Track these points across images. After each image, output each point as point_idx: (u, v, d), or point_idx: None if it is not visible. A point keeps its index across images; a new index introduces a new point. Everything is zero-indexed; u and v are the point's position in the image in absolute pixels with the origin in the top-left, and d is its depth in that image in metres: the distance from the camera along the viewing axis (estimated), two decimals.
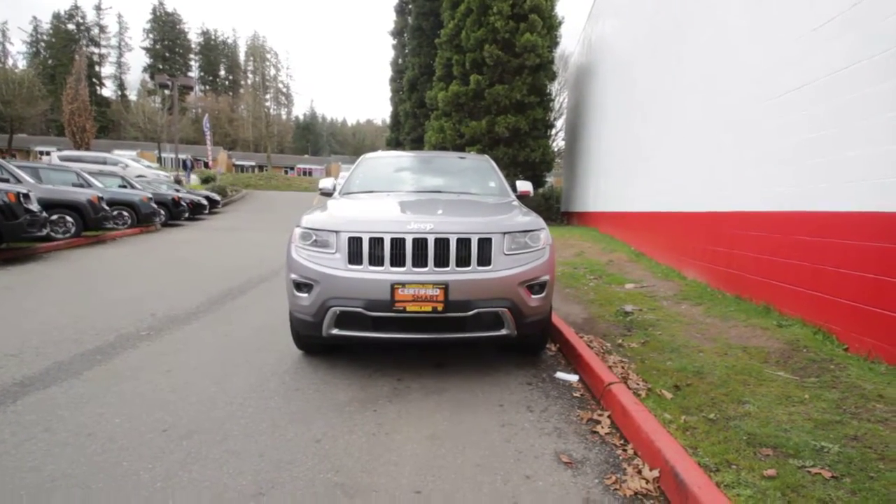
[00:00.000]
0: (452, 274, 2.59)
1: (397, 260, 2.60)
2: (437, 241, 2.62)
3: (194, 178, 22.67)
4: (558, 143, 18.31)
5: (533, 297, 2.76)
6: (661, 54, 7.13)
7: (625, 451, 2.08)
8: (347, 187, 3.96)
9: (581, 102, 14.00)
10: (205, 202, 15.62)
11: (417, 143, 17.52)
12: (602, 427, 2.28)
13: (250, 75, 71.32)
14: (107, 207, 9.04)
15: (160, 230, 11.64)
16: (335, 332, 2.69)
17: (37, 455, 1.97)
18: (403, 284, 2.53)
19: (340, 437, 2.16)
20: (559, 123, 17.81)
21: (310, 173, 55.53)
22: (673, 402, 2.46)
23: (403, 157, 4.58)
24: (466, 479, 1.86)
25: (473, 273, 2.62)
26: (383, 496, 1.73)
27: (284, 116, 73.73)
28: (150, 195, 11.42)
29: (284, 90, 74.02)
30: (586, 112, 13.23)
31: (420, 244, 2.61)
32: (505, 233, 2.75)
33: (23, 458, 1.95)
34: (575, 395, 2.69)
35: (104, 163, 17.60)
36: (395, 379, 2.86)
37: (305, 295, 2.72)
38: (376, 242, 2.63)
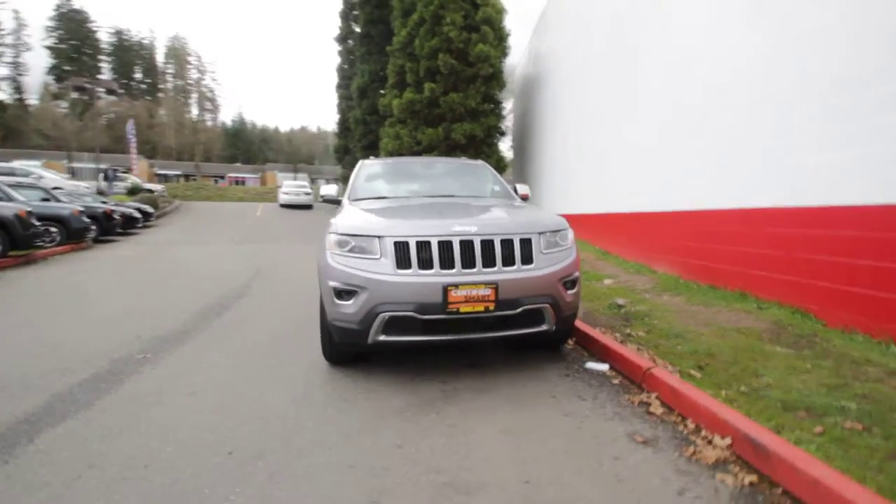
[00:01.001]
0: (500, 273, 2.67)
1: (445, 262, 2.64)
2: (482, 242, 2.69)
3: (119, 188, 20.73)
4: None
5: (568, 292, 2.91)
6: (621, 67, 7.69)
7: (685, 426, 2.27)
8: (355, 193, 3.91)
9: (530, 111, 14.63)
10: (138, 215, 14.39)
11: (370, 150, 17.31)
12: (654, 407, 2.46)
13: (171, 78, 66.70)
14: (37, 223, 8.08)
15: (93, 247, 10.56)
16: (382, 338, 2.67)
17: (95, 494, 1.79)
18: (457, 286, 2.57)
19: (420, 441, 2.16)
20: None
21: (243, 182, 52.73)
22: (703, 380, 2.70)
23: (402, 162, 4.59)
24: (563, 465, 1.95)
25: (519, 272, 2.72)
26: (497, 489, 1.77)
27: (210, 122, 69.63)
28: (81, 208, 10.33)
29: (209, 95, 69.97)
30: (537, 120, 13.84)
31: (467, 246, 2.67)
32: (540, 232, 2.88)
33: (81, 499, 1.76)
34: (614, 382, 2.87)
35: (11, 174, 15.61)
36: (439, 382, 2.88)
37: (349, 302, 2.67)
38: (424, 246, 2.65)
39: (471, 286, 2.59)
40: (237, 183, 49.13)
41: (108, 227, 11.88)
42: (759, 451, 1.86)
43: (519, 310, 2.70)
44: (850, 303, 3.22)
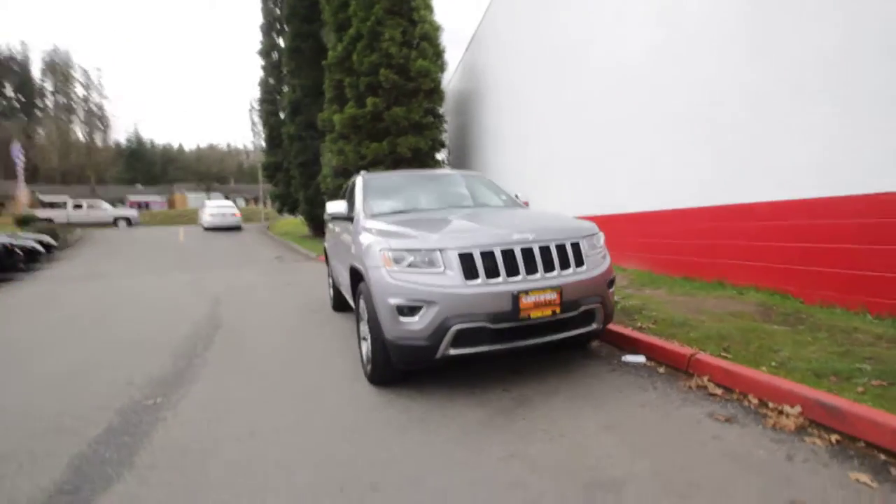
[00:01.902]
0: (561, 277, 2.77)
1: (510, 270, 2.68)
2: (541, 248, 2.78)
3: None
4: None
5: (610, 292, 3.09)
6: (560, 80, 8.26)
7: (748, 401, 2.51)
8: (371, 208, 3.81)
9: (468, 125, 15.09)
10: (41, 248, 12.54)
11: (306, 167, 16.69)
12: (711, 389, 2.69)
13: (50, 95, 59.07)
14: None
15: None
16: (452, 352, 2.63)
17: None
18: (526, 292, 2.62)
19: (531, 448, 2.17)
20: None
21: (147, 206, 47.94)
22: (735, 360, 3.00)
23: (404, 175, 4.54)
24: (675, 452, 2.07)
25: (576, 275, 2.84)
26: (639, 482, 1.85)
27: (101, 142, 62.61)
28: None
29: (98, 112, 62.98)
30: (476, 134, 14.29)
31: (528, 253, 2.74)
32: (584, 237, 3.03)
33: None
34: (660, 371, 3.08)
35: None
36: (501, 390, 2.89)
37: (415, 318, 2.60)
38: (488, 255, 2.67)
39: (538, 292, 2.65)
40: (141, 207, 44.46)
41: (10, 264, 10.23)
42: (832, 413, 2.13)
43: (578, 311, 2.81)
44: (826, 282, 3.76)
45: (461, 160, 15.17)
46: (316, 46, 16.11)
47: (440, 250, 2.67)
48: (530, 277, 2.70)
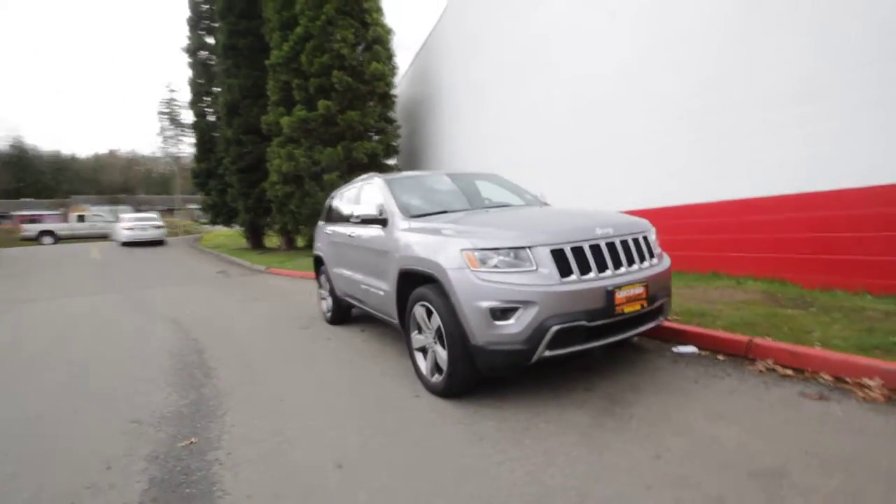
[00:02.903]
0: (642, 271, 2.77)
1: (600, 266, 2.62)
2: (621, 242, 2.75)
3: None
4: None
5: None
6: (519, 85, 8.47)
7: (824, 378, 2.65)
8: (409, 209, 3.57)
9: (419, 129, 14.99)
10: None
11: (247, 173, 15.50)
12: (781, 371, 2.82)
13: None
14: None
15: None
16: (548, 353, 2.51)
17: None
18: (620, 287, 2.58)
19: (669, 444, 2.10)
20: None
21: (39, 220, 41.96)
22: (788, 342, 3.19)
23: (423, 177, 4.29)
24: (804, 430, 2.12)
25: (653, 268, 2.85)
26: (796, 466, 1.85)
27: None
28: None
29: None
30: (430, 137, 14.22)
31: (611, 247, 2.70)
32: (649, 230, 3.07)
33: None
34: (719, 358, 3.18)
35: None
36: (584, 390, 2.81)
37: (511, 321, 2.45)
38: (578, 251, 2.59)
39: (629, 286, 2.62)
40: (32, 221, 38.75)
41: None
42: None
43: (655, 305, 2.82)
44: (825, 268, 4.15)
45: (412, 165, 15.02)
46: (255, 44, 15.13)
47: (529, 247, 2.55)
48: (618, 272, 2.66)
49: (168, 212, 44.04)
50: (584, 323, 2.51)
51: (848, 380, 2.58)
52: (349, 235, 4.34)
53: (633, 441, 2.16)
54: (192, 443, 2.54)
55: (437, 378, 2.88)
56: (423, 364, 3.06)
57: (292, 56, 13.00)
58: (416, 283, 3.08)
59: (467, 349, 2.59)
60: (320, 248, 5.38)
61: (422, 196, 3.89)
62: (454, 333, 2.63)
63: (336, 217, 5.06)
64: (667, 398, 2.61)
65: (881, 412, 2.24)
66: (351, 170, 13.13)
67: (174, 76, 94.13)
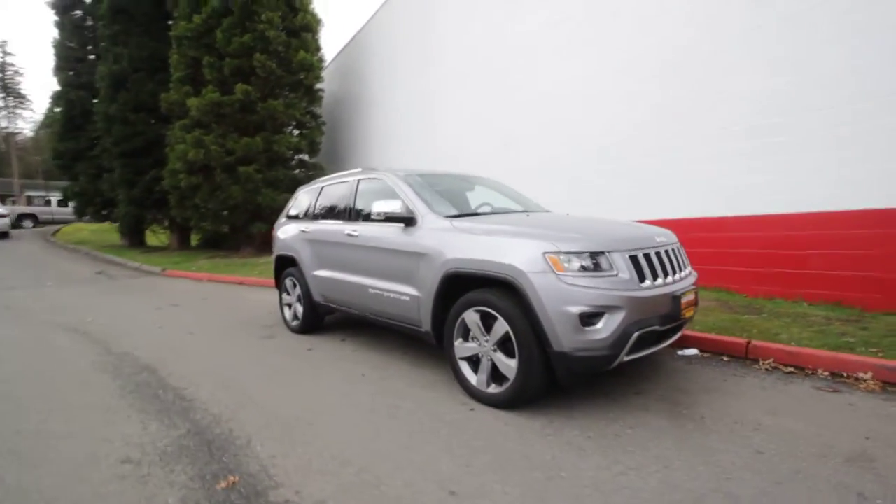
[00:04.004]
0: (691, 278, 2.95)
1: (664, 272, 2.73)
2: (673, 251, 2.90)
3: None
4: None
5: None
6: (450, 89, 8.67)
7: (821, 373, 3.08)
8: (442, 209, 3.34)
9: (344, 127, 14.34)
10: None
11: (134, 159, 13.18)
12: (784, 369, 3.21)
13: None
14: None
15: None
16: (627, 358, 2.53)
17: None
18: (684, 293, 2.71)
19: (759, 440, 2.23)
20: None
21: None
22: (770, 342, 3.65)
23: (436, 176, 4.03)
24: (849, 419, 2.42)
25: (692, 276, 3.04)
26: (876, 445, 2.10)
27: None
28: None
29: None
30: (356, 136, 13.65)
31: (668, 255, 2.83)
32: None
33: None
34: (724, 359, 3.51)
35: None
36: (635, 394, 2.88)
37: (599, 326, 2.42)
38: (647, 258, 2.67)
39: (688, 292, 2.77)
40: None
41: None
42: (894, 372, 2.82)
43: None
44: (768, 280, 4.86)
45: (335, 164, 14.27)
46: (153, 10, 13.07)
47: (608, 252, 2.55)
48: (675, 278, 2.80)
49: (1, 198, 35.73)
50: (657, 327, 2.59)
51: (844, 374, 3.03)
52: (347, 234, 3.93)
53: (726, 440, 2.27)
54: (234, 482, 2.03)
55: (494, 389, 2.72)
56: (472, 374, 2.87)
57: (205, 30, 11.54)
58: (465, 287, 2.90)
59: (546, 356, 2.50)
60: (289, 248, 4.79)
61: (440, 195, 3.68)
62: (529, 340, 2.51)
63: (317, 214, 4.56)
64: (716, 398, 2.80)
65: (889, 398, 2.68)
66: (271, 164, 12.03)
67: (13, 34, 77.16)
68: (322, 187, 4.67)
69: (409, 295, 3.28)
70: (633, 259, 2.60)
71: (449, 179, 4.13)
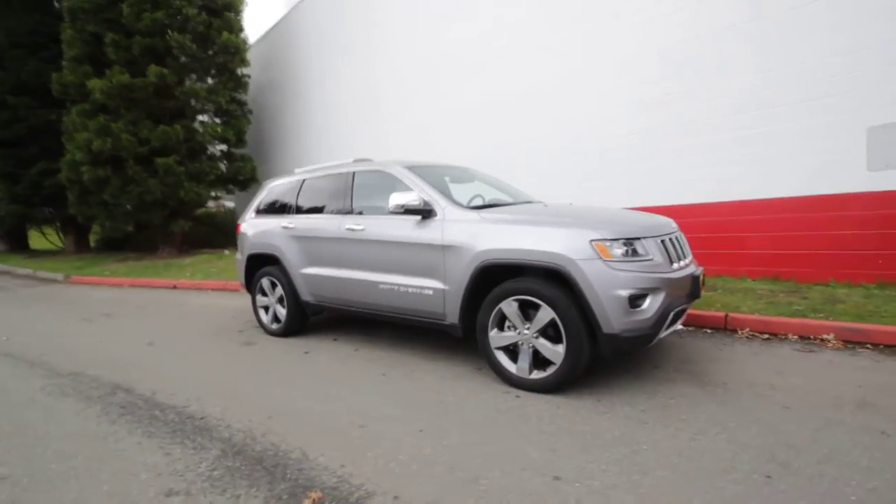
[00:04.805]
0: (695, 262, 3.24)
1: (680, 256, 2.97)
2: (680, 236, 3.17)
3: None
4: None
5: None
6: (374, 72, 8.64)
7: (791, 337, 3.57)
8: (462, 200, 3.31)
9: (270, 118, 13.41)
10: None
11: (15, 150, 11.03)
12: (760, 336, 3.68)
13: None
14: None
15: None
16: (662, 335, 2.74)
17: None
18: (700, 275, 2.97)
19: (778, 400, 2.54)
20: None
21: None
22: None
23: (438, 167, 3.93)
24: (839, 374, 2.84)
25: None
26: (875, 392, 2.50)
27: None
28: None
29: None
30: (286, 127, 12.84)
31: (679, 239, 3.09)
32: None
33: None
34: (707, 331, 3.91)
35: None
36: (653, 368, 3.10)
37: (645, 307, 2.59)
38: (668, 243, 2.89)
39: (700, 275, 3.05)
40: None
41: None
42: (854, 331, 3.37)
43: None
44: (712, 259, 5.48)
45: (264, 157, 13.33)
46: None
47: (643, 238, 2.73)
48: (689, 261, 3.07)
49: None
50: (684, 306, 2.83)
51: (811, 337, 3.55)
52: (348, 229, 3.73)
53: (755, 400, 2.54)
54: (318, 498, 1.87)
55: (538, 374, 2.79)
56: (509, 362, 2.90)
57: (106, 3, 10.06)
58: (497, 278, 2.92)
59: (589, 339, 2.61)
60: (268, 246, 4.42)
61: (454, 188, 3.65)
62: (578, 324, 2.61)
63: (302, 208, 4.26)
64: (723, 365, 3.12)
65: (854, 354, 3.19)
66: (193, 155, 10.90)
67: None
68: (304, 180, 4.37)
69: (431, 288, 3.22)
70: (662, 244, 2.81)
71: (446, 170, 4.08)
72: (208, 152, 11.71)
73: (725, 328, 3.92)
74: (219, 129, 10.93)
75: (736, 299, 4.51)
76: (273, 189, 4.70)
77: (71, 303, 7.13)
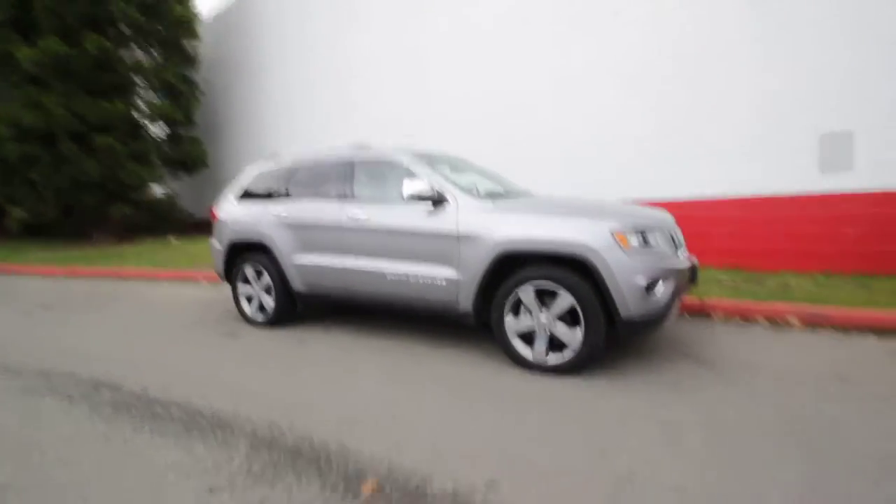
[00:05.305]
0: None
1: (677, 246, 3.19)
2: (677, 230, 3.39)
3: None
4: None
5: None
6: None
7: (760, 320, 3.93)
8: (470, 188, 3.32)
9: (222, 97, 12.60)
10: None
11: None
12: (733, 319, 4.02)
13: None
14: None
15: None
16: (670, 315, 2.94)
17: None
18: (696, 264, 3.20)
19: (781, 377, 2.81)
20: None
21: None
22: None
23: (435, 156, 3.90)
24: (808, 351, 3.19)
25: None
26: (850, 369, 2.83)
27: None
28: None
29: None
30: (245, 106, 12.10)
31: (676, 232, 3.30)
32: None
33: None
34: (685, 315, 4.21)
35: None
36: (650, 351, 3.32)
37: (658, 293, 2.76)
38: (672, 234, 3.09)
39: (696, 265, 3.28)
40: None
41: None
42: (816, 315, 3.78)
43: None
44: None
45: (214, 139, 12.50)
46: None
47: (650, 230, 2.90)
48: (686, 252, 3.29)
49: None
50: (684, 293, 3.04)
51: (777, 320, 3.94)
52: (351, 217, 3.63)
53: (755, 377, 2.77)
54: (376, 484, 1.85)
55: (554, 358, 2.89)
56: (524, 347, 2.99)
57: None
58: (513, 266, 2.99)
59: (606, 324, 2.76)
60: (255, 233, 4.20)
61: (454, 177, 3.65)
62: (597, 310, 2.73)
63: (295, 194, 4.08)
64: (713, 347, 3.37)
65: (817, 334, 3.58)
66: (135, 133, 10.03)
67: None
68: (296, 165, 4.18)
69: (444, 277, 3.22)
70: (667, 236, 3.00)
71: (445, 159, 4.08)
72: (151, 133, 10.82)
73: (702, 313, 4.25)
74: (166, 108, 10.11)
75: (703, 289, 4.88)
76: (258, 174, 4.45)
77: (4, 294, 6.37)
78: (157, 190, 12.58)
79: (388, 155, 3.68)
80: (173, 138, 11.05)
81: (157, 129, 10.74)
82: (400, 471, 1.94)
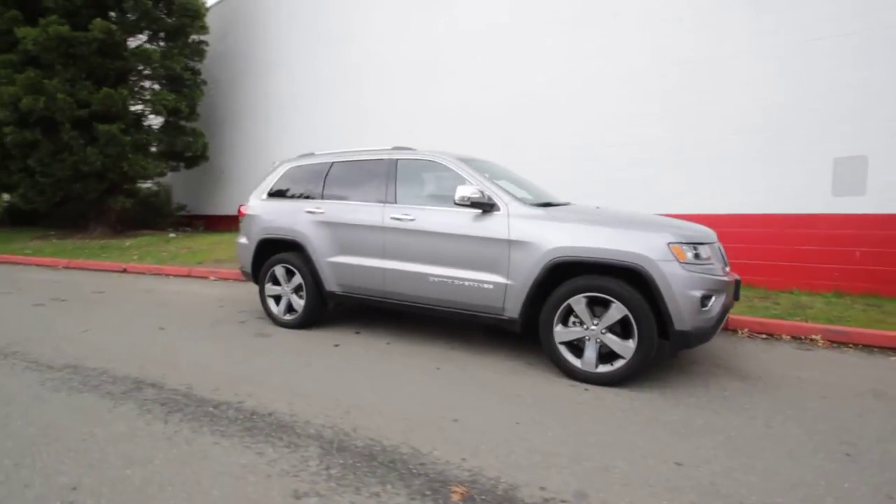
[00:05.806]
0: None
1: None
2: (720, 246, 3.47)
3: None
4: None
5: None
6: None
7: (784, 338, 4.05)
8: (523, 197, 3.37)
9: (226, 91, 12.40)
10: None
11: None
12: (758, 336, 4.12)
13: None
14: None
15: None
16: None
17: None
18: (739, 280, 3.28)
19: (813, 390, 2.89)
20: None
21: None
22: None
23: (470, 160, 3.90)
24: (838, 367, 3.29)
25: None
26: (881, 386, 2.94)
27: None
28: None
29: None
30: (249, 100, 11.93)
31: (721, 248, 3.38)
32: None
33: None
34: None
35: None
36: (690, 363, 3.38)
37: (710, 307, 2.82)
38: (719, 250, 3.16)
39: (739, 281, 3.36)
40: None
41: None
42: (839, 333, 3.90)
43: None
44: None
45: (216, 132, 12.28)
46: None
47: (704, 244, 2.96)
48: (729, 269, 3.37)
49: None
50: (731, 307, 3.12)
51: (802, 337, 4.05)
52: (394, 218, 3.62)
53: (794, 392, 2.86)
54: (465, 492, 1.84)
55: (604, 368, 2.92)
56: (573, 357, 3.02)
57: None
58: (564, 275, 3.02)
59: (659, 334, 2.81)
60: (289, 231, 4.14)
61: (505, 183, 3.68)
62: (650, 321, 2.78)
63: (331, 194, 4.05)
64: (747, 362, 3.45)
65: (843, 352, 3.70)
66: (139, 123, 9.80)
67: None
68: (332, 163, 4.15)
69: (492, 283, 3.23)
70: (715, 250, 3.07)
71: (485, 165, 4.09)
72: (151, 123, 10.58)
73: (727, 329, 4.35)
74: (171, 99, 9.90)
75: None
76: (291, 170, 4.40)
77: (9, 284, 6.14)
78: (149, 182, 12.31)
79: (434, 158, 3.68)
80: (173, 129, 10.82)
81: (160, 120, 10.50)
82: (484, 477, 1.94)
